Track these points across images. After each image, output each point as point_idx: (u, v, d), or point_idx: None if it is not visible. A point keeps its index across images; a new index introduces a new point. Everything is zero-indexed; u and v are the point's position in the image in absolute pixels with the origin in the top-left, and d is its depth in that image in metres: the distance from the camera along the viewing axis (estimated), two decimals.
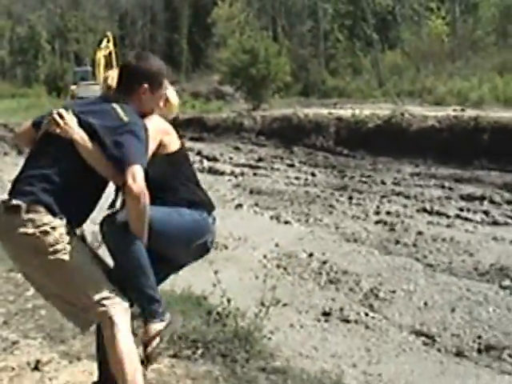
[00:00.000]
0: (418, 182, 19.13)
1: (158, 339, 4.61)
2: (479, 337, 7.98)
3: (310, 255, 11.59)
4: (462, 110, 26.09)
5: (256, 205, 16.22)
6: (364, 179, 20.01)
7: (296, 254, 11.72)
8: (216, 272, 6.81)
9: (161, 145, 4.77)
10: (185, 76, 58.93)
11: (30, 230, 4.33)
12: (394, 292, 9.70)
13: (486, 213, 14.71)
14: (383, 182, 19.28)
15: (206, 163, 23.65)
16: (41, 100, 54.43)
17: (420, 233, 12.93)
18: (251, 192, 18.10)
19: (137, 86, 4.69)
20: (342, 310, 9.04)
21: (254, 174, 21.30)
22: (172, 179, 4.82)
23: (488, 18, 49.99)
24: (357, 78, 45.03)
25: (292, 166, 23.48)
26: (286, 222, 14.46)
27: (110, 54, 52.11)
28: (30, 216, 4.35)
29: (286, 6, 61.68)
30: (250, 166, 22.89)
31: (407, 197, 16.94)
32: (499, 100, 28.67)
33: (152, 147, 4.64)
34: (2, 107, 49.32)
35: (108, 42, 52.53)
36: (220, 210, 15.37)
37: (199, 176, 5.01)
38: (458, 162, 20.85)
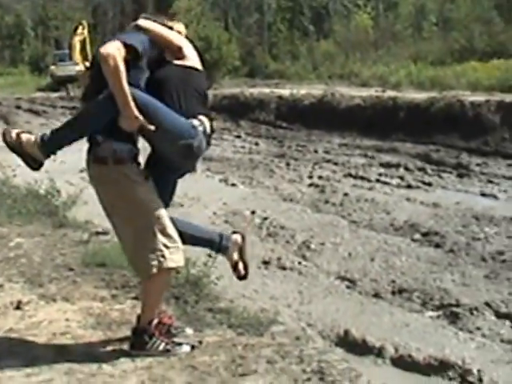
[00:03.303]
0: (345, 152, 19.15)
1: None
2: (393, 281, 8.02)
3: (253, 212, 11.57)
4: (383, 91, 26.18)
5: (208, 170, 16.13)
6: (299, 148, 19.99)
7: (241, 211, 11.69)
8: None
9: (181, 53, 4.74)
10: None
11: None
12: (323, 244, 9.70)
13: (401, 178, 14.78)
14: (316, 151, 19.28)
15: None
16: (24, 78, 54.21)
17: (346, 194, 12.95)
18: (204, 159, 17.89)
19: None
20: (279, 259, 9.02)
21: None
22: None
23: (406, 14, 50.26)
24: (295, 63, 44.95)
25: (239, 136, 23.38)
26: (233, 185, 14.41)
27: (84, 39, 51.44)
28: None
29: (236, 1, 61.38)
30: None
31: (336, 164, 16.95)
32: (413, 83, 28.85)
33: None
34: None
35: (83, 29, 51.70)
36: None
37: None
38: (379, 134, 20.91)
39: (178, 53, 4.76)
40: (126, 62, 4.36)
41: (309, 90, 27.65)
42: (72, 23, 60.37)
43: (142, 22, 4.76)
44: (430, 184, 14.12)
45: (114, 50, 4.30)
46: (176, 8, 57.58)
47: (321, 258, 9.13)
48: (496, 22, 38.52)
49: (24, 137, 4.53)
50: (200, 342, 4.98)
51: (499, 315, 7.05)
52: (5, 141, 4.59)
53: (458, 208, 11.77)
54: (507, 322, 6.89)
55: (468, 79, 26.81)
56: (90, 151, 4.65)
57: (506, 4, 41.10)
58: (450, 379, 5.69)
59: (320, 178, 14.98)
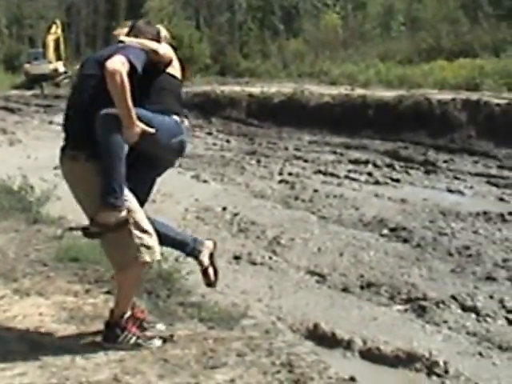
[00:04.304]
0: (315, 149, 19.19)
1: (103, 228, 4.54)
2: (362, 276, 8.06)
3: (224, 209, 11.57)
4: (352, 89, 26.23)
5: (179, 166, 16.07)
6: (270, 146, 20.01)
7: (212, 207, 11.70)
8: None
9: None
10: None
11: None
12: (293, 239, 9.73)
13: (369, 174, 14.85)
14: (286, 148, 19.32)
15: None
16: None
17: (315, 190, 12.99)
18: None
19: None
20: (250, 254, 9.04)
21: None
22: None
23: (374, 14, 50.49)
24: (265, 62, 44.96)
25: (210, 134, 23.36)
26: (205, 181, 14.40)
27: (58, 38, 51.28)
28: None
29: (207, 0, 61.27)
30: None
31: (306, 160, 17.00)
32: (382, 82, 28.93)
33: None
34: None
35: (57, 27, 51.65)
36: None
37: None
38: (348, 132, 20.97)
39: (168, 63, 4.94)
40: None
41: (279, 88, 27.66)
42: (46, 22, 60.13)
43: (129, 40, 4.85)
44: (398, 180, 14.21)
45: (120, 66, 4.39)
46: (148, 7, 57.55)
47: (291, 254, 9.16)
48: (462, 21, 38.80)
49: (100, 219, 4.53)
50: (171, 336, 4.99)
51: (465, 308, 7.12)
52: (88, 235, 4.73)
53: (425, 204, 11.85)
54: (473, 315, 6.96)
55: (435, 78, 26.97)
56: (64, 149, 4.68)
57: (471, 4, 41.42)
58: (417, 371, 5.74)
59: (290, 174, 15.03)
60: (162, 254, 6.48)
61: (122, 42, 4.85)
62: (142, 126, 4.51)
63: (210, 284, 5.31)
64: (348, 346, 6.09)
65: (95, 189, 4.53)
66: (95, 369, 4.47)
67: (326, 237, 9.85)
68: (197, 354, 4.68)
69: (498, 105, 19.40)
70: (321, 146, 19.78)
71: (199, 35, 41.45)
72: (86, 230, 4.70)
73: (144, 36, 4.90)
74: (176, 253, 6.51)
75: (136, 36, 4.90)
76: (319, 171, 15.38)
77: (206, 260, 5.20)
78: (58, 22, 52.63)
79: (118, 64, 4.39)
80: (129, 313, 4.82)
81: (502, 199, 12.55)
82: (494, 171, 15.36)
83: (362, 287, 7.75)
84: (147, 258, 4.63)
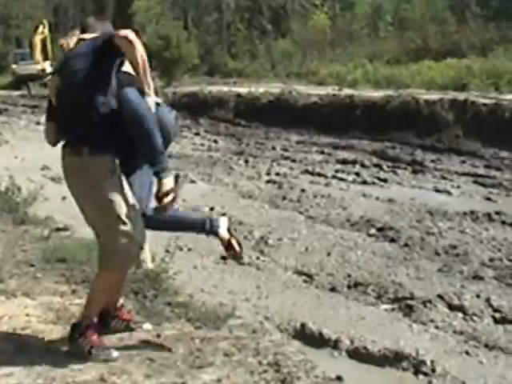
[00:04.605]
0: (303, 149, 19.21)
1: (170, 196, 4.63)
2: (349, 275, 8.07)
3: (212, 209, 11.57)
4: (340, 89, 26.31)
5: None
6: (258, 146, 20.01)
7: (200, 208, 11.69)
8: None
9: None
10: None
11: None
12: (280, 239, 9.73)
13: (357, 174, 14.88)
14: (274, 148, 19.32)
15: None
16: None
17: (303, 190, 13.00)
18: None
19: None
20: None
21: None
22: None
23: (362, 14, 50.57)
24: (253, 62, 44.99)
25: (198, 134, 23.33)
26: (192, 181, 14.37)
27: (45, 38, 51.10)
28: None
29: (195, 0, 61.26)
30: None
31: (293, 160, 17.02)
32: (370, 82, 29.03)
33: None
34: None
35: (44, 27, 51.46)
36: None
37: None
38: (336, 132, 21.01)
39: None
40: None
41: (267, 89, 27.69)
42: (33, 22, 59.92)
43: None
44: (385, 180, 14.24)
45: (133, 35, 4.48)
46: (135, 8, 57.45)
47: (278, 253, 9.16)
48: (450, 22, 38.93)
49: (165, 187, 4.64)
50: (158, 336, 5.01)
51: (452, 307, 7.13)
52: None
53: (412, 203, 11.88)
54: (459, 314, 6.98)
55: (423, 78, 27.08)
56: (65, 146, 4.76)
57: (459, 5, 41.57)
58: (404, 370, 5.75)
59: (278, 174, 15.04)
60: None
61: (81, 38, 4.86)
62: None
63: (236, 256, 5.36)
64: (335, 345, 6.09)
65: (98, 182, 4.55)
66: (81, 369, 4.48)
67: (314, 236, 9.85)
68: (183, 353, 4.69)
69: (485, 105, 19.48)
70: (308, 146, 19.79)
71: (187, 35, 41.39)
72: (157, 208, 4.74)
73: (97, 31, 4.86)
74: (163, 253, 6.54)
75: (91, 33, 4.87)
76: (307, 171, 15.40)
77: (225, 233, 5.25)
78: (45, 21, 52.45)
79: (132, 34, 4.44)
80: (94, 319, 4.80)
81: (488, 199, 12.60)
82: (481, 171, 15.42)
83: (349, 287, 7.75)
84: (130, 264, 4.78)
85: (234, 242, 5.27)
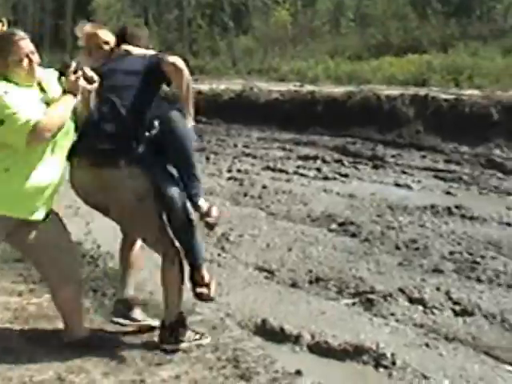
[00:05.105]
0: (264, 145, 19.21)
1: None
2: (310, 271, 8.09)
3: None
4: (301, 85, 26.29)
5: None
6: (219, 143, 19.96)
7: None
8: (88, 223, 6.75)
9: None
10: (70, 55, 57.66)
11: None
12: (241, 236, 9.74)
13: (318, 170, 14.93)
14: (235, 145, 19.31)
15: None
16: None
17: (264, 187, 13.01)
18: None
19: None
20: None
21: None
22: None
23: (324, 10, 50.63)
24: (215, 59, 44.89)
25: None
26: None
27: None
28: None
29: None
30: None
31: (254, 157, 17.03)
32: (331, 78, 29.05)
33: None
34: None
35: (2, 25, 50.81)
36: None
37: None
38: (297, 128, 21.01)
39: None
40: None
41: (228, 85, 27.62)
42: None
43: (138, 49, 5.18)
44: (346, 175, 14.31)
45: (182, 62, 4.96)
46: (95, 5, 57.06)
47: (240, 250, 9.17)
48: (411, 18, 39.12)
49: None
50: (116, 334, 4.99)
51: (412, 300, 7.20)
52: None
53: (373, 198, 11.95)
54: (419, 307, 7.04)
55: (384, 74, 27.18)
56: (90, 156, 4.82)
57: (420, 1, 41.78)
58: (365, 363, 5.79)
59: (239, 171, 15.03)
60: (108, 252, 6.53)
61: (126, 50, 4.99)
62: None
63: (213, 226, 5.67)
64: (296, 340, 6.10)
65: (132, 194, 4.79)
66: (39, 369, 4.46)
67: (275, 233, 9.87)
68: (142, 350, 4.68)
69: (445, 100, 19.61)
70: (270, 142, 19.80)
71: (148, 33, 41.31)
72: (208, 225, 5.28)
73: (139, 41, 5.17)
74: None
75: (131, 42, 5.12)
76: (268, 167, 15.41)
77: (204, 203, 5.37)
78: (4, 20, 51.59)
79: (179, 60, 4.84)
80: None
81: (448, 193, 12.72)
82: (441, 165, 15.56)
83: (310, 282, 7.77)
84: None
85: (213, 209, 5.40)
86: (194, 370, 4.36)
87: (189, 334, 4.94)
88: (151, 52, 5.13)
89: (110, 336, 4.93)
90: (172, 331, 4.85)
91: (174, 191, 5.00)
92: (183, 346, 4.80)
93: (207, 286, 5.30)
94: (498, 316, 6.86)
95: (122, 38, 5.08)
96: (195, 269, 5.31)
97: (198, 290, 5.27)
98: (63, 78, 4.51)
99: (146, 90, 4.86)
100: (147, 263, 8.01)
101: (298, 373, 4.45)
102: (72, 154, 4.72)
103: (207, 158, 16.83)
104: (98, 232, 6.88)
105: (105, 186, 4.77)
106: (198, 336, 4.97)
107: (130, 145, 4.77)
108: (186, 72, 4.79)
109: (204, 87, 27.85)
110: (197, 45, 50.49)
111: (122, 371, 4.37)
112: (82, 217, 7.33)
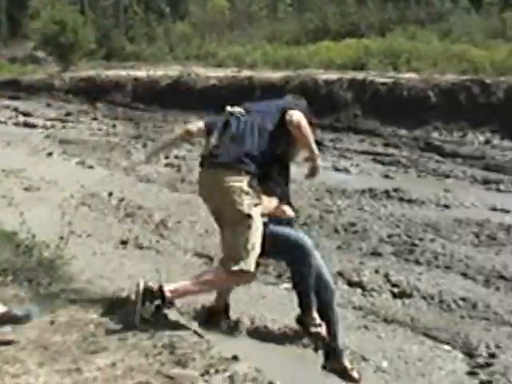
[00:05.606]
0: None
1: None
2: None
3: (110, 194, 11.48)
4: (239, 71, 26.29)
5: (64, 153, 15.87)
6: (156, 129, 19.91)
7: (98, 193, 11.58)
8: (22, 213, 6.65)
9: None
10: (3, 44, 56.74)
11: None
12: (180, 222, 9.74)
13: None
14: (172, 132, 19.17)
15: (21, 118, 22.82)
16: None
17: None
18: (60, 142, 17.62)
19: None
20: (137, 238, 9.03)
21: (63, 127, 20.73)
22: None
23: None
24: (151, 45, 44.59)
25: (95, 119, 22.96)
26: (90, 167, 14.22)
27: None
28: None
29: None
30: (60, 120, 22.24)
31: (192, 143, 16.95)
32: (269, 63, 29.03)
33: None
34: None
35: None
36: (33, 158, 15.08)
37: (15, 130, 4.82)
38: None
39: None
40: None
41: (165, 72, 27.50)
42: None
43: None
44: None
45: (304, 119, 5.50)
46: None
47: (178, 236, 9.18)
48: (349, 3, 39.28)
49: None
50: (52, 323, 4.92)
51: (351, 283, 7.29)
52: None
53: (311, 183, 11.93)
54: (358, 290, 7.13)
55: (321, 58, 27.23)
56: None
57: None
58: (305, 347, 5.84)
59: (176, 157, 14.99)
60: (43, 242, 6.44)
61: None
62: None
63: None
64: (236, 325, 6.12)
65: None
66: None
67: (212, 219, 9.85)
68: (77, 339, 4.64)
69: (383, 84, 19.75)
70: None
71: (83, 19, 40.78)
72: None
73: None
74: (57, 240, 6.43)
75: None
76: None
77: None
78: None
79: (303, 120, 5.41)
80: None
81: (387, 176, 12.86)
82: (379, 149, 15.71)
83: None
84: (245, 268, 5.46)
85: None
86: (130, 357, 4.32)
87: None
88: None
89: (44, 326, 4.86)
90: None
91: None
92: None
93: (320, 325, 5.40)
94: (436, 297, 6.97)
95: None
96: (308, 309, 5.47)
97: (313, 329, 5.39)
98: None
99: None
100: (84, 252, 8.04)
101: (235, 358, 4.42)
102: None
103: (144, 145, 16.73)
104: (33, 222, 6.77)
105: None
106: None
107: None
108: (308, 129, 5.56)
109: (141, 73, 27.77)
110: (133, 31, 49.99)
111: (57, 361, 4.31)
112: (17, 206, 7.20)
